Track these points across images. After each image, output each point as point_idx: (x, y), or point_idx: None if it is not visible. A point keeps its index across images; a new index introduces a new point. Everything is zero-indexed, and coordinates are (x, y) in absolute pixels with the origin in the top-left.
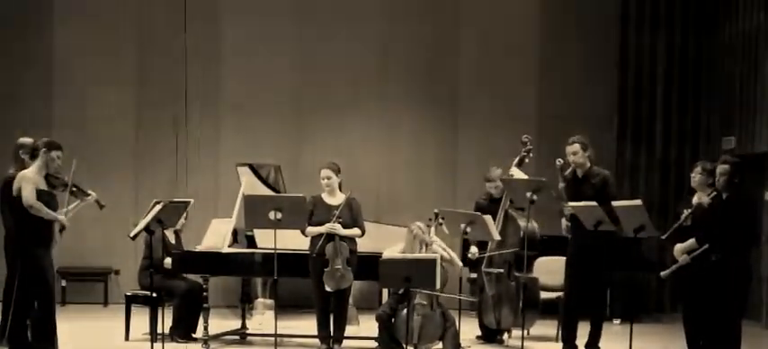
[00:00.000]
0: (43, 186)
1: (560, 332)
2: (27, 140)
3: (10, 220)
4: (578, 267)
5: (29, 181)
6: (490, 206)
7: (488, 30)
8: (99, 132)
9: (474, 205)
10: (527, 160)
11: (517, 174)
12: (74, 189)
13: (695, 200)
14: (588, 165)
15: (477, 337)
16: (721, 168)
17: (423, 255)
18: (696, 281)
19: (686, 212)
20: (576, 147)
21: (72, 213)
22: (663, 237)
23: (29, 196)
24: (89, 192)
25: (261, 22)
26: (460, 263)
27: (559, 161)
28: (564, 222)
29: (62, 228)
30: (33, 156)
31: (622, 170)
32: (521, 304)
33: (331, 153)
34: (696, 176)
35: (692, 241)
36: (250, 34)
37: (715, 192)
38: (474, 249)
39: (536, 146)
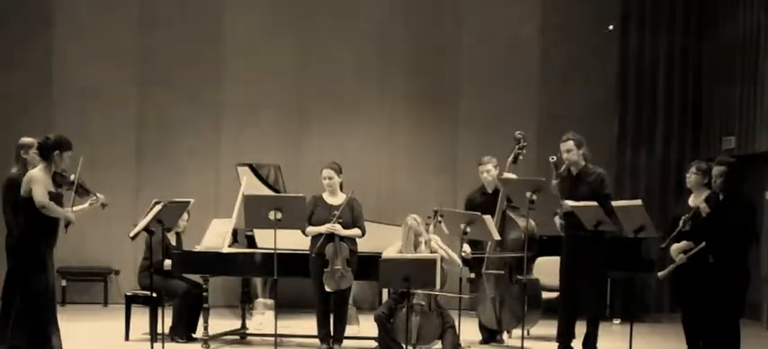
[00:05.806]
0: (51, 187)
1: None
2: (28, 140)
3: (12, 220)
4: (572, 266)
5: (39, 182)
6: (483, 201)
7: (488, 29)
8: (99, 132)
9: (465, 200)
10: (521, 157)
11: (513, 174)
12: (79, 188)
13: (691, 200)
14: (583, 163)
15: (480, 342)
16: (717, 170)
17: (423, 255)
18: (694, 281)
19: (684, 218)
20: (570, 144)
21: (79, 213)
22: (662, 247)
23: (41, 197)
24: (95, 193)
25: (262, 22)
26: (460, 262)
27: (553, 158)
28: (557, 221)
29: (68, 224)
30: (43, 155)
31: (622, 170)
32: (524, 305)
33: (331, 153)
34: (691, 176)
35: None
36: (250, 34)
37: (710, 194)
38: (467, 247)
39: (536, 146)
